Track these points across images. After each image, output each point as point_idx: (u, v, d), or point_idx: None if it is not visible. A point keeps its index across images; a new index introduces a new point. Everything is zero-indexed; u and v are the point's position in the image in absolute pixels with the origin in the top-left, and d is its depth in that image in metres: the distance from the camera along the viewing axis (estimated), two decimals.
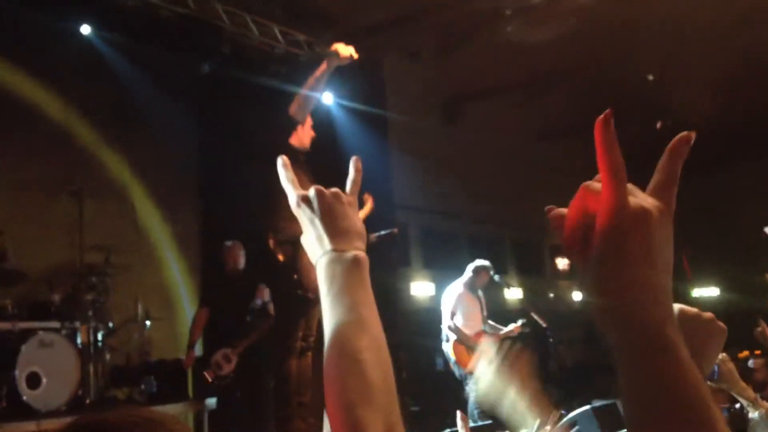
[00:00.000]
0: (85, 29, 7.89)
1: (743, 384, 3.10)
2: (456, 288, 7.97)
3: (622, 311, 0.75)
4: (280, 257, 5.04)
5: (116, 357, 6.96)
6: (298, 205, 1.21)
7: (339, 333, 1.06)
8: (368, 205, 5.70)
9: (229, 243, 6.88)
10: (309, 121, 5.47)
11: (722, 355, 3.82)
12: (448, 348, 7.73)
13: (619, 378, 0.76)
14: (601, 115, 0.76)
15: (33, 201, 7.62)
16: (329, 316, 1.10)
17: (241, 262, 6.92)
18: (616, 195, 0.74)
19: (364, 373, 1.01)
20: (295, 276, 4.98)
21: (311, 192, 1.19)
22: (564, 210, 0.80)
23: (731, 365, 3.08)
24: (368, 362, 1.02)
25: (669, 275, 0.78)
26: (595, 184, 0.77)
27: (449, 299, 7.96)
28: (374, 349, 1.05)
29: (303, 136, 5.33)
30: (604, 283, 0.75)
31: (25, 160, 7.72)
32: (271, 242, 5.07)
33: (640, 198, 0.78)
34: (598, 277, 0.75)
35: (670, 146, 0.85)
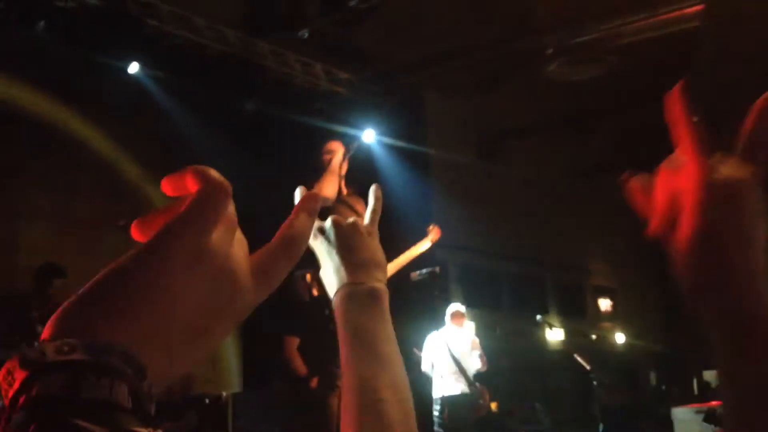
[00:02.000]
0: (133, 67, 8.07)
1: None
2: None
3: (725, 300, 0.66)
4: (315, 291, 5.04)
5: (157, 391, 6.98)
6: (315, 237, 1.13)
7: (356, 371, 0.99)
8: (430, 237, 5.68)
9: (300, 273, 6.82)
10: (336, 172, 5.39)
11: None
12: None
13: (724, 379, 0.68)
14: (677, 86, 0.67)
15: (82, 236, 7.75)
16: (346, 352, 1.02)
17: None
18: (702, 167, 0.66)
19: (383, 414, 0.94)
20: (327, 312, 4.97)
21: (327, 223, 1.13)
22: (644, 180, 0.73)
23: None
24: (387, 402, 0.95)
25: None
26: (678, 159, 0.69)
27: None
28: (393, 387, 0.98)
29: (325, 186, 5.23)
30: (700, 269, 0.67)
31: (74, 195, 7.87)
32: (308, 276, 5.07)
33: (731, 166, 0.67)
34: (693, 263, 0.67)
35: (759, 103, 0.71)
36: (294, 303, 5.22)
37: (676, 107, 0.66)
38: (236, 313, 0.57)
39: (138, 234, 0.59)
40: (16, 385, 0.44)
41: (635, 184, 0.72)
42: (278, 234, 0.62)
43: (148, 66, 8.14)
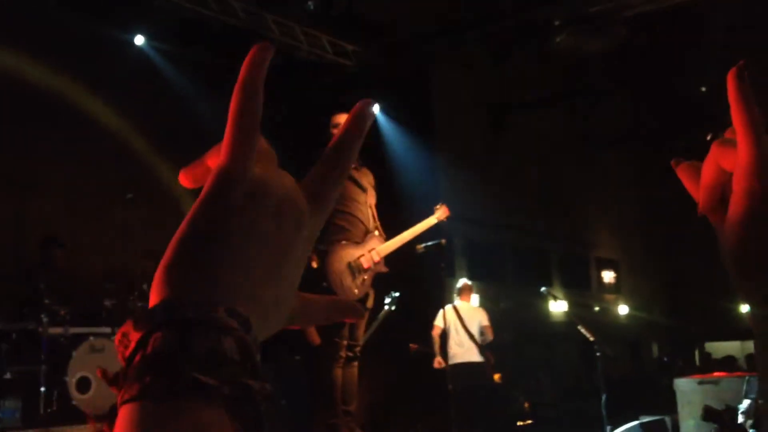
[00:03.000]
0: (139, 39, 8.06)
1: None
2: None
3: None
4: (314, 264, 5.09)
5: None
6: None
7: None
8: (437, 214, 5.72)
9: None
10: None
11: None
12: None
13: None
14: (735, 67, 0.67)
15: (88, 209, 7.78)
16: None
17: None
18: (754, 151, 0.64)
19: None
20: (324, 284, 5.01)
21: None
22: (693, 163, 0.74)
23: None
24: None
25: None
26: (730, 140, 0.67)
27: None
28: None
29: None
30: (751, 248, 0.65)
31: (80, 168, 7.89)
32: (314, 253, 5.12)
33: None
34: (744, 243, 0.65)
35: None
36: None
37: (734, 87, 0.66)
38: (304, 243, 0.58)
39: (187, 181, 0.61)
40: (132, 346, 0.47)
41: (685, 166, 0.73)
42: (324, 151, 0.62)
43: (154, 38, 8.13)
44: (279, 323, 0.57)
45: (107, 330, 6.45)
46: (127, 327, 0.49)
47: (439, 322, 7.94)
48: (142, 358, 0.46)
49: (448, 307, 8.27)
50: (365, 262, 5.14)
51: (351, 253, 5.12)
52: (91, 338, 6.20)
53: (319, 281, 5.04)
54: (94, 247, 7.49)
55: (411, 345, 8.05)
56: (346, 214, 5.20)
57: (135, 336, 0.48)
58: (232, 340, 0.48)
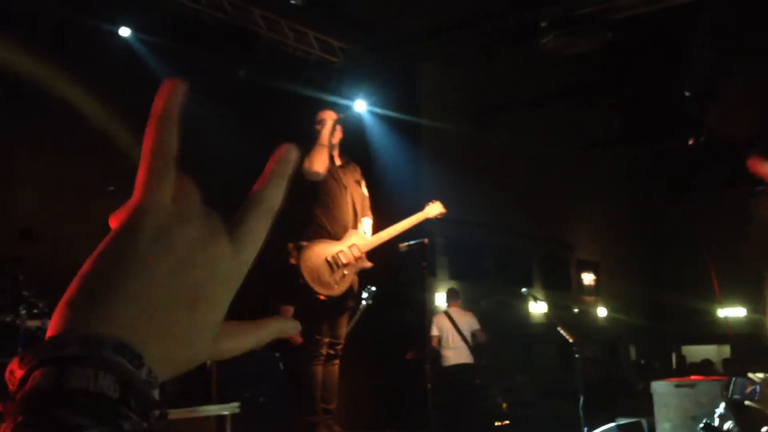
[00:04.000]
0: (125, 31, 8.00)
1: None
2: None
3: None
4: (292, 260, 5.08)
5: None
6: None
7: None
8: (427, 211, 5.70)
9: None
10: (326, 145, 5.37)
11: (765, 376, 3.78)
12: None
13: None
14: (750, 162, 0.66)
15: (68, 201, 7.72)
16: None
17: None
18: None
19: None
20: (301, 280, 5.00)
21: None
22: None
23: None
24: None
25: None
26: None
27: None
28: None
29: (315, 160, 5.23)
30: None
31: (61, 160, 7.83)
32: (290, 246, 5.11)
33: None
34: None
35: None
36: (278, 273, 5.26)
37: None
38: (225, 276, 0.58)
39: (115, 225, 0.60)
40: (16, 383, 0.47)
41: (758, 157, 0.76)
42: (250, 195, 0.64)
43: (139, 30, 8.07)
44: (196, 356, 0.57)
45: None
46: (14, 364, 0.48)
47: (435, 332, 8.34)
48: (21, 396, 0.46)
49: (440, 315, 8.69)
50: (344, 258, 5.12)
51: (329, 249, 5.10)
52: None
53: (296, 278, 5.03)
54: (74, 240, 7.42)
55: (408, 353, 8.37)
56: (326, 211, 5.18)
57: (18, 373, 0.47)
58: (113, 378, 0.47)
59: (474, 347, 8.89)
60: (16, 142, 7.55)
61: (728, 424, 4.34)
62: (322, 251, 5.08)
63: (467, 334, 8.89)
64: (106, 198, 6.52)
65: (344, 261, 5.12)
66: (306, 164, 5.10)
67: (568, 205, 15.57)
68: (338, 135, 5.37)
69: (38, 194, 7.56)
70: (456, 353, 8.74)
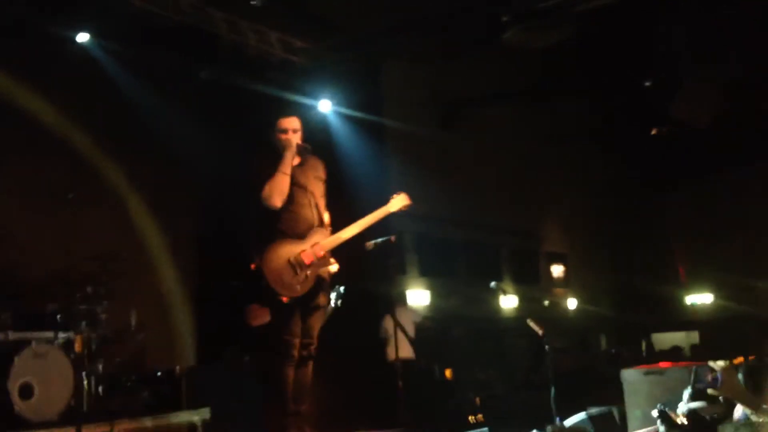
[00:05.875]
0: (83, 37, 7.88)
1: (746, 392, 3.09)
2: None
3: None
4: (252, 265, 5.06)
5: (110, 367, 6.91)
6: None
7: None
8: (392, 205, 5.66)
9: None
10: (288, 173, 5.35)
11: (725, 364, 3.82)
12: None
13: None
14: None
15: (28, 209, 7.60)
16: None
17: None
18: None
19: None
20: (264, 282, 4.97)
21: None
22: None
23: (734, 374, 3.07)
24: None
25: None
26: None
27: None
28: None
29: (274, 191, 5.20)
30: None
31: (20, 167, 7.70)
32: (252, 251, 5.09)
33: None
34: None
35: None
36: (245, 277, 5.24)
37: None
38: None
39: None
40: None
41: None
42: None
43: (98, 35, 7.96)
44: None
45: (50, 335, 6.30)
46: None
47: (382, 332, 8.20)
48: None
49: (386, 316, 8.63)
50: (306, 258, 5.07)
51: (290, 250, 5.05)
52: (34, 343, 6.03)
53: (259, 281, 4.98)
54: (36, 250, 7.32)
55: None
56: (286, 213, 5.15)
57: None
58: None
59: (421, 342, 8.71)
60: None
61: (689, 410, 4.39)
62: (284, 252, 5.03)
63: (410, 329, 8.73)
64: (66, 205, 6.42)
65: (306, 261, 5.07)
66: (265, 193, 5.07)
67: (534, 198, 15.67)
68: (297, 159, 5.32)
69: None
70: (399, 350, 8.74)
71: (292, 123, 5.35)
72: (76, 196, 6.35)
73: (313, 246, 5.14)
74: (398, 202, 5.66)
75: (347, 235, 5.33)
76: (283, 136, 5.28)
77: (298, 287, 5.04)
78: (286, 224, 5.12)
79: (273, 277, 4.97)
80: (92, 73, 8.04)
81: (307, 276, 5.08)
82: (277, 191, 5.08)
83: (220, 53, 8.58)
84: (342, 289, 6.23)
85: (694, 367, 4.78)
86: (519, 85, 13.80)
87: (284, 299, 5.02)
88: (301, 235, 5.13)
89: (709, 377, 4.09)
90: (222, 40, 8.45)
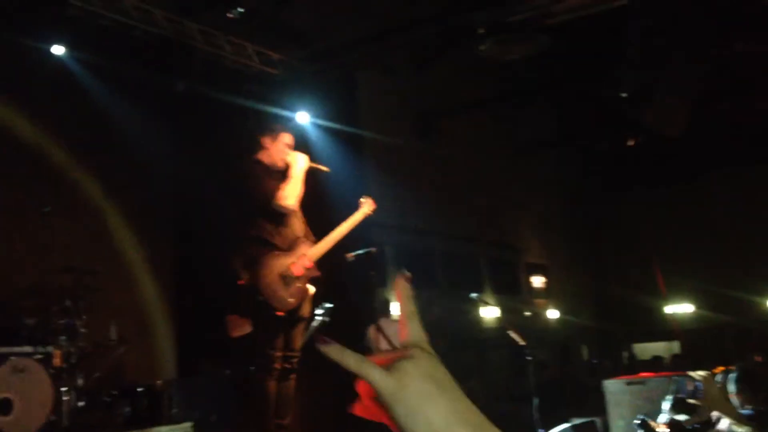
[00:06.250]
0: (58, 49, 7.80)
1: (726, 402, 3.09)
2: None
3: None
4: (240, 282, 5.02)
5: (90, 381, 6.83)
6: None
7: None
8: (364, 209, 5.65)
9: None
10: (282, 139, 5.40)
11: (706, 374, 3.83)
12: None
13: None
14: None
15: (4, 222, 7.51)
16: None
17: None
18: None
19: None
20: (259, 297, 4.94)
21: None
22: None
23: (714, 383, 3.07)
24: None
25: None
26: None
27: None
28: None
29: (274, 154, 5.27)
30: None
31: None
32: (236, 266, 5.05)
33: None
34: None
35: None
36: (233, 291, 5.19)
37: None
38: None
39: None
40: None
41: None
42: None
43: (73, 47, 7.88)
44: None
45: (29, 349, 6.21)
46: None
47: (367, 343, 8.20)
48: None
49: (371, 327, 8.65)
50: (296, 270, 5.07)
51: (281, 263, 5.05)
52: (12, 358, 5.96)
53: (253, 295, 4.95)
54: (10, 263, 7.22)
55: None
56: (272, 224, 5.13)
57: None
58: None
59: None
60: None
61: (669, 419, 4.41)
62: (276, 266, 5.02)
63: (395, 341, 8.81)
64: (41, 218, 6.35)
65: (296, 273, 5.07)
66: (280, 198, 5.07)
67: (513, 208, 15.70)
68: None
69: None
70: None
71: (288, 139, 5.45)
72: (51, 210, 6.28)
73: (300, 258, 5.13)
74: (368, 206, 5.71)
75: (330, 244, 5.33)
76: (287, 149, 5.35)
77: (291, 300, 5.03)
78: (275, 237, 5.11)
79: (268, 292, 4.94)
80: (67, 85, 7.97)
81: (298, 287, 5.07)
82: (293, 194, 5.13)
83: (196, 65, 8.52)
84: (329, 305, 6.21)
85: (674, 377, 4.80)
86: (493, 93, 13.86)
87: (280, 314, 5.01)
88: (289, 248, 5.12)
89: (690, 387, 4.11)
90: (198, 52, 8.40)
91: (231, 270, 5.12)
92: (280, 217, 5.17)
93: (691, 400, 4.17)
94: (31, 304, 6.50)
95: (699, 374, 4.23)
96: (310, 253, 5.21)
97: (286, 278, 5.03)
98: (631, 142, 14.34)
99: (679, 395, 4.52)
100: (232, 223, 5.39)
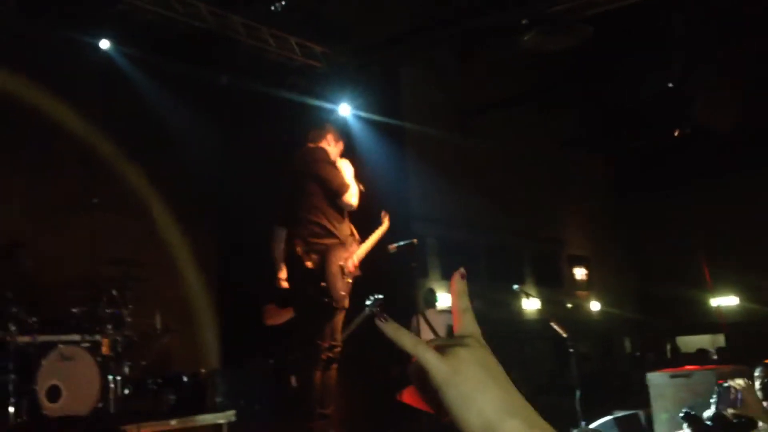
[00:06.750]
0: (105, 44, 7.96)
1: (763, 408, 3.08)
2: None
3: None
4: (308, 264, 5.02)
5: (135, 369, 6.97)
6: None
7: None
8: (385, 224, 5.68)
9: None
10: (338, 146, 5.47)
11: (745, 382, 3.81)
12: None
13: None
14: None
15: (54, 214, 7.68)
16: None
17: None
18: None
19: None
20: (323, 284, 4.97)
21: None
22: None
23: (754, 391, 3.05)
24: None
25: None
26: None
27: None
28: None
29: (354, 196, 5.31)
30: None
31: (46, 173, 7.78)
32: (298, 249, 5.05)
33: None
34: None
35: None
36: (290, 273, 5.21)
37: None
38: None
39: None
40: None
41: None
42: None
43: (119, 42, 8.03)
44: None
45: (77, 338, 6.36)
46: None
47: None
48: None
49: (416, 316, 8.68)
50: (350, 266, 5.14)
51: (341, 256, 5.11)
52: (60, 346, 6.10)
53: (317, 281, 4.98)
54: (60, 254, 7.39)
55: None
56: (336, 216, 5.18)
57: None
58: None
59: None
60: None
61: (715, 413, 4.38)
62: (337, 258, 5.09)
63: (441, 332, 8.77)
64: (89, 210, 6.49)
65: (350, 269, 5.14)
66: (350, 196, 5.15)
67: (556, 200, 15.59)
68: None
69: (22, 209, 7.50)
70: None
71: (341, 144, 5.53)
72: (99, 202, 6.40)
73: (351, 255, 5.19)
74: (386, 221, 5.74)
75: (368, 248, 5.41)
76: (339, 154, 5.42)
77: (343, 293, 5.08)
78: (337, 229, 5.16)
79: (331, 280, 4.99)
80: (114, 79, 8.12)
81: (348, 282, 5.12)
82: (356, 195, 5.21)
83: (240, 59, 8.61)
84: (380, 296, 6.25)
85: (715, 388, 4.77)
86: (536, 87, 13.75)
87: (335, 304, 5.06)
88: (343, 242, 5.18)
89: (731, 397, 4.09)
90: (242, 46, 8.48)
91: (292, 254, 5.10)
92: (342, 212, 5.22)
93: (731, 411, 4.17)
94: (79, 294, 6.65)
95: (739, 383, 4.21)
96: (358, 253, 5.28)
97: (343, 272, 5.09)
98: (677, 133, 14.14)
99: (720, 407, 4.50)
100: (282, 212, 5.39)
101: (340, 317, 5.27)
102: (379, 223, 5.69)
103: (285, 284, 5.32)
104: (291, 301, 5.33)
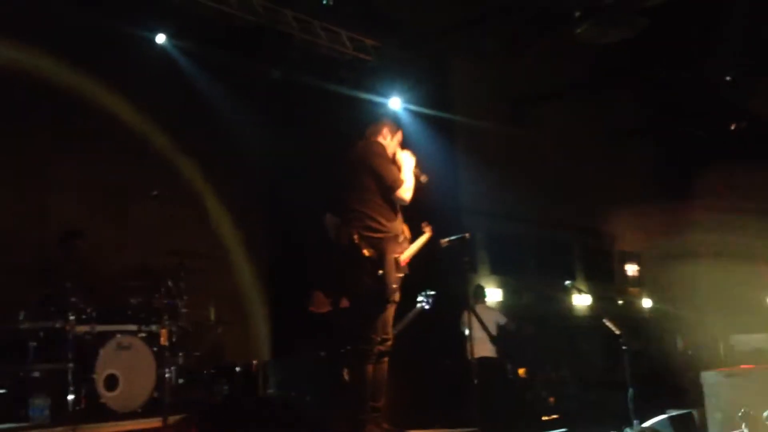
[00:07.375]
0: (160, 38, 8.09)
1: None
2: None
3: None
4: (366, 252, 5.00)
5: (189, 360, 7.07)
6: None
7: None
8: (427, 234, 5.65)
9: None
10: (396, 136, 5.45)
11: None
12: None
13: None
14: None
15: (111, 205, 7.83)
16: None
17: None
18: None
19: None
20: (381, 272, 4.94)
21: None
22: None
23: None
24: None
25: None
26: None
27: None
28: None
29: (408, 191, 5.27)
30: None
31: (103, 165, 7.93)
32: (356, 237, 5.04)
33: None
34: None
35: None
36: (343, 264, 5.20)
37: None
38: None
39: None
40: None
41: None
42: None
43: (174, 36, 8.15)
44: None
45: (134, 328, 6.48)
46: None
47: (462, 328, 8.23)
48: None
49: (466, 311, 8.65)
50: (402, 260, 5.14)
51: (395, 249, 5.10)
52: (118, 336, 6.23)
53: (374, 269, 4.96)
54: (118, 245, 7.53)
55: None
56: (389, 211, 5.17)
57: None
58: None
59: (501, 341, 8.68)
60: (56, 147, 7.66)
61: None
62: (393, 250, 5.07)
63: (492, 328, 8.72)
64: (147, 201, 6.58)
65: (402, 263, 5.13)
66: (404, 191, 5.14)
67: (607, 195, 15.38)
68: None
69: (80, 200, 7.65)
70: (477, 348, 8.65)
71: (401, 135, 5.49)
72: (158, 193, 6.49)
73: (403, 251, 5.19)
74: (429, 231, 5.69)
75: (415, 250, 5.39)
76: (399, 145, 5.40)
77: (395, 285, 5.06)
78: (390, 223, 5.15)
79: (388, 270, 4.98)
80: (169, 73, 8.24)
81: (399, 277, 5.11)
82: (410, 191, 5.19)
83: (292, 53, 8.67)
84: (432, 292, 6.24)
85: None
86: (587, 77, 13.58)
87: (393, 299, 5.07)
88: (396, 237, 5.17)
89: None
90: (294, 40, 8.54)
91: (351, 243, 5.09)
92: (395, 207, 5.20)
93: None
94: (135, 285, 6.77)
95: None
96: (411, 248, 5.27)
97: (397, 265, 5.08)
98: (733, 126, 13.86)
99: None
100: (341, 198, 5.38)
101: (391, 310, 5.27)
102: (437, 209, 5.62)
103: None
104: (344, 290, 5.30)
